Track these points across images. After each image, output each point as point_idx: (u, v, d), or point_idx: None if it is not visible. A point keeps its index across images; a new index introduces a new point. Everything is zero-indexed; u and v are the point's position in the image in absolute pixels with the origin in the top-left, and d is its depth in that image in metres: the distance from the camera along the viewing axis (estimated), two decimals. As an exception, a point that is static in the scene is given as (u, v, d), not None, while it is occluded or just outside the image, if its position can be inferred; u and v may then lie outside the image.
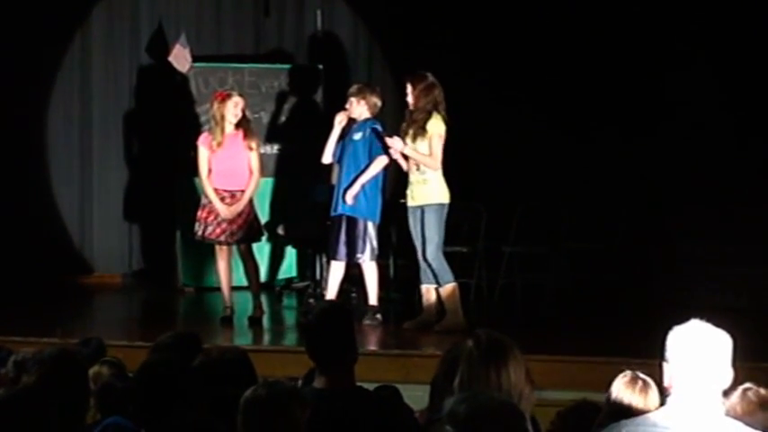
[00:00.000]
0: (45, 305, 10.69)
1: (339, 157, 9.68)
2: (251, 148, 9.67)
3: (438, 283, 9.30)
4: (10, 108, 12.22)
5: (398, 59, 12.12)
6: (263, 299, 10.13)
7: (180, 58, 11.81)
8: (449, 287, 9.31)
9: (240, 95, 9.89)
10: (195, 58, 11.99)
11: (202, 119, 11.47)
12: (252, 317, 9.80)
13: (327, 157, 9.74)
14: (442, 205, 9.27)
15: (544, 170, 11.45)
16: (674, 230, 10.96)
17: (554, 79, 11.61)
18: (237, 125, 9.68)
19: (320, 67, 12.47)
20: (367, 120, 9.57)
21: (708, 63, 11.05)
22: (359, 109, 9.56)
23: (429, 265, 9.27)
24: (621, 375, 4.58)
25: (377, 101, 9.60)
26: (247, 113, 10.02)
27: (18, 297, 10.85)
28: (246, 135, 9.69)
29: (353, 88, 9.68)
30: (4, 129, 12.21)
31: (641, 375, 4.56)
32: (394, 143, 9.29)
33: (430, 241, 9.25)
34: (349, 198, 9.44)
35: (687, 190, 10.81)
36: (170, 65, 11.86)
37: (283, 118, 12.28)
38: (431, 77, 9.34)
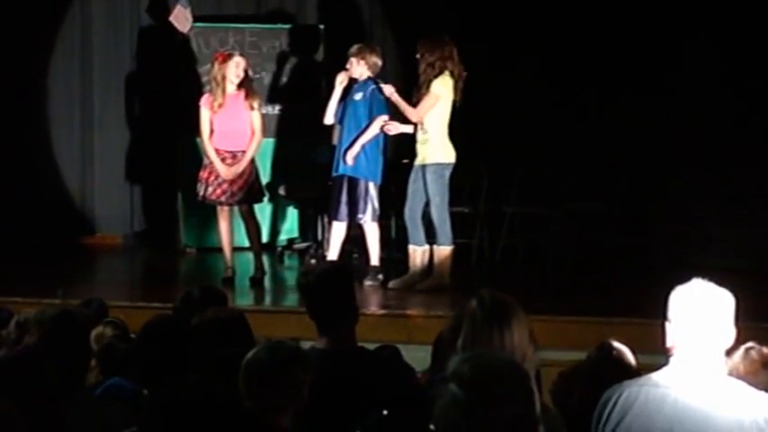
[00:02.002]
0: (46, 266, 10.69)
1: (340, 118, 9.65)
2: (252, 108, 9.64)
3: (435, 241, 9.29)
4: (10, 69, 12.18)
5: (400, 20, 12.07)
6: (265, 260, 10.13)
7: (180, 18, 11.77)
8: (444, 250, 9.29)
9: (241, 55, 9.84)
10: (196, 19, 11.95)
11: (203, 79, 11.43)
12: (253, 277, 9.81)
13: (329, 118, 9.72)
14: (439, 165, 9.24)
15: (545, 130, 11.41)
16: (676, 191, 10.94)
17: (556, 40, 11.56)
18: (239, 85, 9.64)
19: (321, 27, 12.42)
20: (367, 80, 9.54)
21: (713, 24, 11.00)
22: (359, 69, 9.53)
23: (432, 222, 9.25)
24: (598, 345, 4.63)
25: (377, 60, 9.57)
26: (250, 73, 9.98)
27: (19, 258, 10.85)
28: (248, 95, 9.65)
29: (354, 48, 9.64)
30: (4, 90, 12.17)
31: (616, 344, 4.59)
32: (385, 88, 9.29)
33: (432, 200, 9.24)
34: (349, 158, 9.43)
35: (689, 150, 10.78)
36: (171, 25, 11.82)
37: (284, 79, 12.24)
38: (444, 40, 9.28)
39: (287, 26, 12.42)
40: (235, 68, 9.59)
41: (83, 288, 9.11)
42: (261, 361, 4.06)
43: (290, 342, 4.27)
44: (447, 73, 9.22)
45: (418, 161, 9.34)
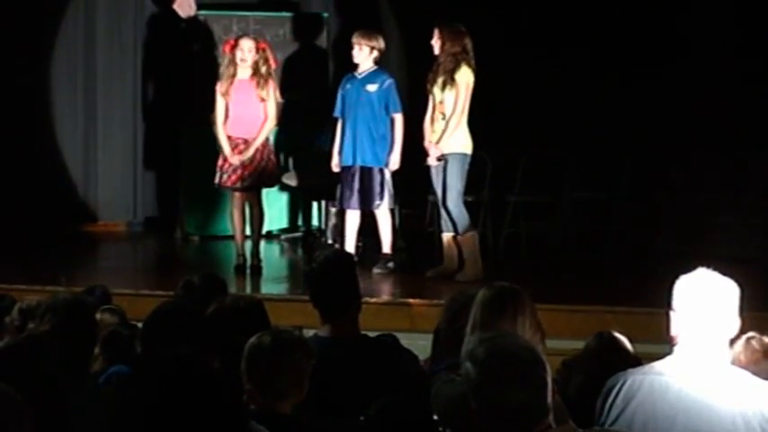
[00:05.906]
0: (49, 254, 10.69)
1: (341, 109, 9.60)
2: (263, 99, 9.58)
3: (456, 231, 9.27)
4: (13, 55, 12.15)
5: (405, 7, 12.04)
6: (269, 247, 10.09)
7: (184, 5, 11.78)
8: (467, 235, 9.28)
9: (253, 39, 9.75)
10: (199, 6, 11.93)
11: (221, 61, 11.39)
12: (251, 265, 9.76)
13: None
14: (465, 155, 9.21)
15: (548, 119, 11.40)
16: (680, 179, 10.93)
17: (559, 29, 11.54)
18: (255, 72, 9.58)
19: (325, 15, 12.40)
20: (378, 70, 9.48)
21: (718, 7, 10.99)
22: (362, 55, 9.46)
23: (449, 213, 9.23)
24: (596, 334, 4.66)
25: (382, 46, 9.50)
26: (270, 58, 9.80)
27: (22, 245, 10.84)
28: (258, 84, 9.60)
29: (357, 33, 9.57)
30: (7, 76, 12.15)
31: (614, 334, 4.62)
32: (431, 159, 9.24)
33: (451, 189, 9.17)
34: (392, 165, 9.41)
35: (693, 138, 10.75)
36: (174, 12, 11.81)
37: (288, 66, 12.21)
38: (461, 27, 9.25)
39: (291, 14, 12.40)
40: (239, 53, 9.56)
41: (86, 275, 9.10)
42: (263, 347, 4.07)
43: (293, 330, 4.28)
44: (467, 63, 9.15)
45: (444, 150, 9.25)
